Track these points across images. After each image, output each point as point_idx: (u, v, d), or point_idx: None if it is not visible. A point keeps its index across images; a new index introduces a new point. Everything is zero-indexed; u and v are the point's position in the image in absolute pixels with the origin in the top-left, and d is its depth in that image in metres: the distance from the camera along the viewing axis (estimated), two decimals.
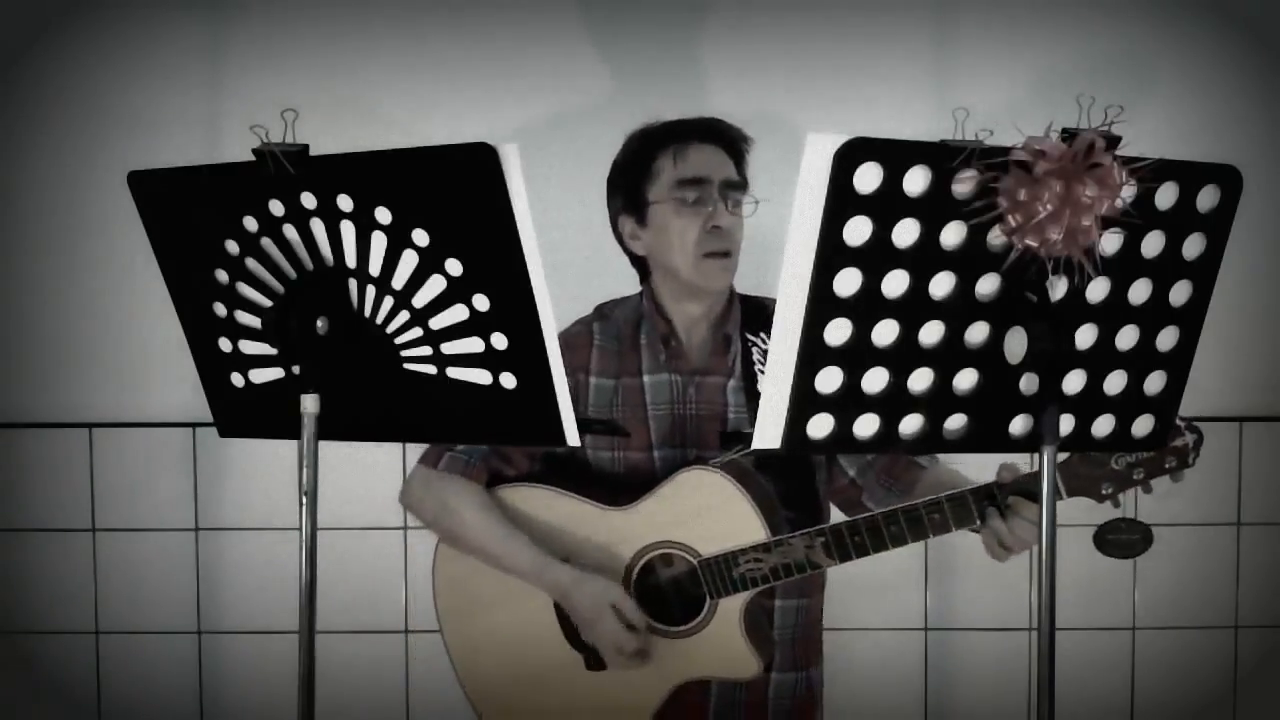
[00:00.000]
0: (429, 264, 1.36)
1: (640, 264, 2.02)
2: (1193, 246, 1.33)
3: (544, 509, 1.93)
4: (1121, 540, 1.71)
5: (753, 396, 1.90)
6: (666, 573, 1.88)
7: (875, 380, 1.28)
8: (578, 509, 1.91)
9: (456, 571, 1.97)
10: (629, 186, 1.96)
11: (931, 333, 1.28)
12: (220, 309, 1.49)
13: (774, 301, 1.72)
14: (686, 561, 1.85)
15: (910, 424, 1.32)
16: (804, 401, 1.26)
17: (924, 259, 1.25)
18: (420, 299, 1.39)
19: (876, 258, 1.23)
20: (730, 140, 1.95)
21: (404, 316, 1.41)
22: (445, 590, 2.00)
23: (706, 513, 1.82)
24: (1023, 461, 1.73)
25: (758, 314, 1.98)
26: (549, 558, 1.89)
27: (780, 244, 1.22)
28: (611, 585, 1.85)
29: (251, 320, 1.47)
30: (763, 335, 1.94)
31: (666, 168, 1.92)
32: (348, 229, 1.38)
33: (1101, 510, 1.71)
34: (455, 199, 1.32)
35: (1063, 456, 1.67)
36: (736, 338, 1.96)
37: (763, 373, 1.90)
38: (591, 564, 1.89)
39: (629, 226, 1.97)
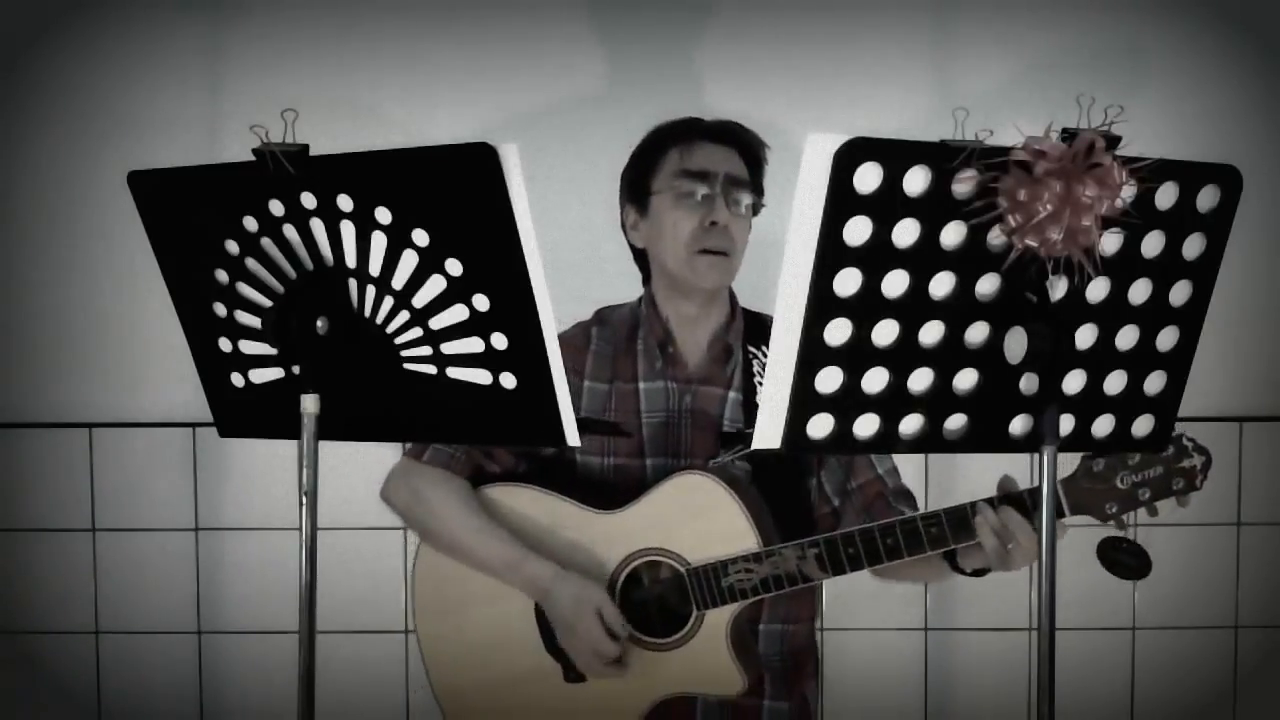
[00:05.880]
0: (429, 264, 1.36)
1: (641, 259, 1.99)
2: (1193, 246, 1.33)
3: (527, 508, 1.87)
4: (1121, 561, 1.70)
5: (751, 409, 1.86)
6: (653, 581, 1.82)
7: (875, 380, 1.28)
8: (563, 510, 1.85)
9: (436, 568, 1.92)
10: (636, 175, 1.94)
11: (931, 333, 1.28)
12: (220, 309, 1.49)
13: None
14: (674, 569, 1.79)
15: (910, 424, 1.32)
16: (804, 401, 1.26)
17: (924, 259, 1.25)
18: (420, 299, 1.39)
19: (876, 258, 1.23)
20: (746, 145, 1.92)
21: (404, 316, 1.41)
22: (423, 586, 1.94)
23: (697, 518, 1.76)
24: (1020, 474, 1.72)
25: (760, 328, 1.94)
26: (528, 551, 1.82)
27: (781, 245, 1.22)
28: (596, 587, 1.78)
29: (251, 320, 1.47)
30: (763, 348, 1.89)
31: (674, 159, 1.89)
32: (348, 229, 1.38)
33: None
34: (455, 199, 1.32)
35: (1067, 471, 1.65)
36: (738, 349, 1.92)
37: (762, 385, 1.83)
38: (576, 568, 1.82)
39: (632, 216, 1.95)
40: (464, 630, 1.89)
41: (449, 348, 1.41)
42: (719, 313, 1.94)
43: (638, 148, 1.96)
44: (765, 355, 1.88)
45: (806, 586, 1.79)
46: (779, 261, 1.22)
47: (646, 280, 2.00)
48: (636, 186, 1.93)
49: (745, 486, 1.79)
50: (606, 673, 1.78)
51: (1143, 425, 1.41)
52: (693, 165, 1.87)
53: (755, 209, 1.92)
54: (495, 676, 1.87)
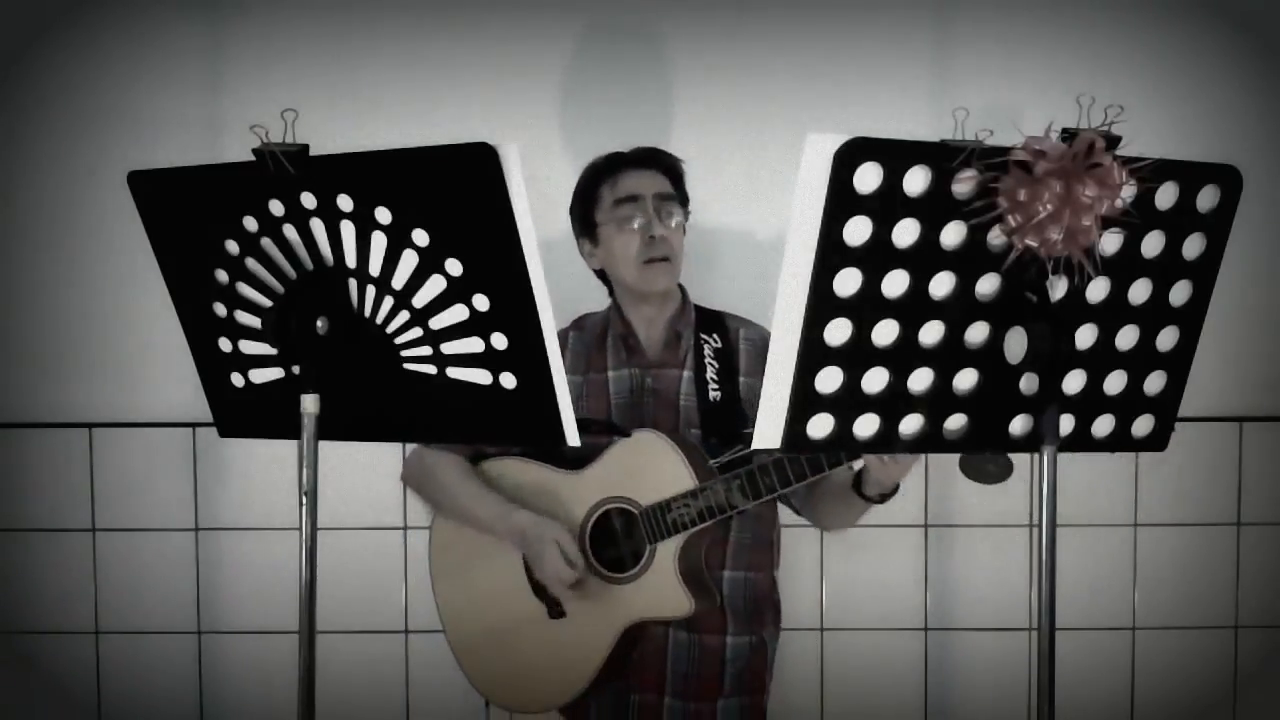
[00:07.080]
0: (429, 264, 1.36)
1: (602, 276, 2.22)
2: (1192, 246, 1.33)
3: (513, 474, 2.17)
4: (985, 470, 1.71)
5: (701, 385, 2.13)
6: (621, 525, 2.08)
7: (875, 380, 1.29)
8: (541, 474, 2.14)
9: (446, 537, 2.21)
10: (582, 213, 2.18)
11: (931, 333, 1.29)
12: (220, 309, 1.49)
13: (729, 314, 2.12)
14: (631, 513, 2.05)
15: (910, 424, 1.32)
16: (804, 401, 1.26)
17: (924, 259, 1.25)
18: (420, 299, 1.39)
19: (876, 258, 1.23)
20: (667, 165, 2.16)
21: (404, 316, 1.41)
22: (437, 554, 2.22)
23: (645, 469, 2.05)
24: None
25: (712, 320, 2.19)
26: (511, 505, 2.11)
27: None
28: (557, 526, 2.06)
29: (251, 320, 1.47)
30: (715, 335, 2.16)
31: (606, 192, 2.14)
32: (348, 229, 1.38)
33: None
34: (455, 199, 1.32)
35: None
36: (688, 335, 2.17)
37: (713, 365, 2.13)
38: (551, 518, 2.09)
39: (586, 246, 2.20)
40: (470, 587, 2.19)
41: (449, 348, 1.41)
42: (672, 306, 2.19)
43: (576, 188, 2.19)
44: (715, 341, 2.16)
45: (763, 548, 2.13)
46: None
47: (611, 292, 2.22)
48: (584, 222, 2.18)
49: (685, 439, 2.07)
50: (569, 595, 2.06)
51: (1143, 425, 1.41)
52: (623, 193, 2.12)
53: (686, 216, 2.17)
54: (496, 621, 2.16)
